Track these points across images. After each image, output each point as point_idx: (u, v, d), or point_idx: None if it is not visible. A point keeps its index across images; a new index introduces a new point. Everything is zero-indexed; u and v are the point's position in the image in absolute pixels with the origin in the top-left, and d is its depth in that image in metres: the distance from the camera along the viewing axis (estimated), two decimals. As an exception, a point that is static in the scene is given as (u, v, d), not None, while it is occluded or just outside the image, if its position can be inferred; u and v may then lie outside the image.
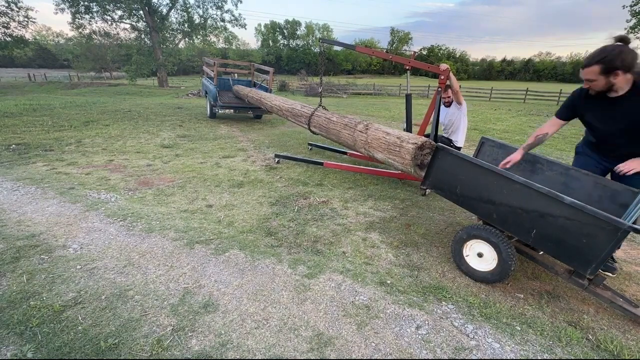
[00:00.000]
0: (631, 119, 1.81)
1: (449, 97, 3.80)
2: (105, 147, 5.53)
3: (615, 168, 2.02)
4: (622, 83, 1.76)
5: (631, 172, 1.91)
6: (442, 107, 3.78)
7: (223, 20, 29.42)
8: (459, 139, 3.88)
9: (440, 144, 2.39)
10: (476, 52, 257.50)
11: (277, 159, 4.97)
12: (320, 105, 4.80)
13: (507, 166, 2.27)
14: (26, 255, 2.28)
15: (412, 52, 4.09)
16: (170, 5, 27.48)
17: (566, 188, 2.31)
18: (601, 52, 1.72)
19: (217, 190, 3.74)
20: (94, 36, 27.34)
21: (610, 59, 1.69)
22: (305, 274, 2.19)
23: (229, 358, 1.53)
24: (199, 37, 29.98)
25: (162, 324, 1.71)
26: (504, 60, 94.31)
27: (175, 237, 2.61)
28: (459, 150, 3.77)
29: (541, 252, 2.20)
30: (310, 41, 76.37)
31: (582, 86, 1.98)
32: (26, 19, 25.33)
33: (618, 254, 2.58)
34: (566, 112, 2.14)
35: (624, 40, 1.72)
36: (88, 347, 1.54)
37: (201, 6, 28.44)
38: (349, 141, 3.86)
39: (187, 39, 30.52)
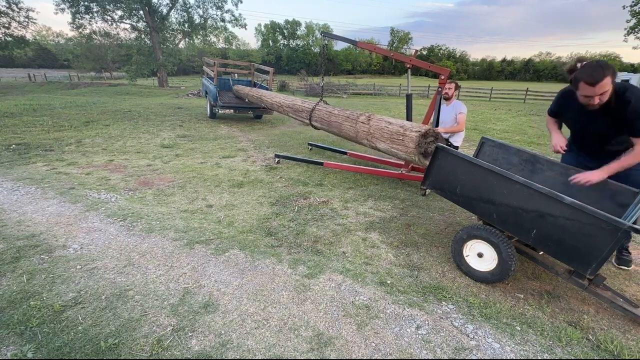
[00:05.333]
0: (611, 123, 1.92)
1: (450, 88, 3.76)
2: (106, 147, 5.53)
3: (570, 179, 2.08)
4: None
5: (587, 183, 1.98)
6: (443, 106, 3.77)
7: (223, 20, 29.48)
8: (457, 139, 3.88)
9: (440, 144, 2.39)
10: (476, 52, 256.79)
11: (277, 159, 4.97)
12: (321, 100, 4.80)
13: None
14: (26, 255, 2.28)
15: (415, 51, 4.03)
16: (170, 5, 27.51)
17: (566, 188, 2.30)
18: (602, 65, 1.79)
19: (217, 190, 3.74)
20: (94, 36, 27.42)
21: (612, 67, 1.78)
22: (305, 274, 2.19)
23: (229, 358, 1.53)
24: (199, 37, 30.02)
25: (162, 324, 1.71)
26: (504, 60, 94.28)
27: (175, 237, 2.61)
28: (457, 149, 3.76)
29: (541, 252, 2.20)
30: (310, 41, 76.30)
31: (568, 88, 2.08)
32: (27, 20, 25.43)
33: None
34: (555, 109, 2.28)
35: (584, 58, 1.89)
36: (88, 347, 1.54)
37: (201, 6, 28.50)
38: (350, 133, 3.83)
39: (187, 39, 30.56)
